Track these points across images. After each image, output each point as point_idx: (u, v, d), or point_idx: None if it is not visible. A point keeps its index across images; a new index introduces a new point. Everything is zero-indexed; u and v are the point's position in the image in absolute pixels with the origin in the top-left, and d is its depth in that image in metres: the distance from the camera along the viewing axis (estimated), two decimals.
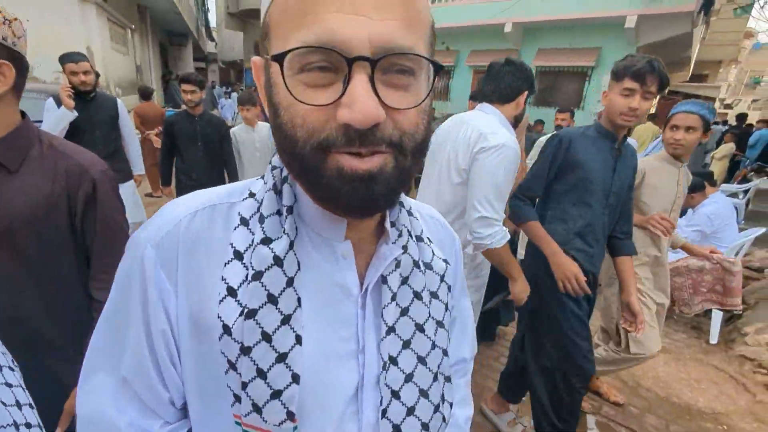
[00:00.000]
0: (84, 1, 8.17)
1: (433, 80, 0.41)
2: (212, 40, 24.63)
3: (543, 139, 4.34)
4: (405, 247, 0.49)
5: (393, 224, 0.49)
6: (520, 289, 1.64)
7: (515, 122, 1.68)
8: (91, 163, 0.95)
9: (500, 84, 1.63)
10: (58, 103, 2.46)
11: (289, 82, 0.36)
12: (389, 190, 0.39)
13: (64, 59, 2.55)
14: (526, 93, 1.64)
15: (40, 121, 3.45)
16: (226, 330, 0.41)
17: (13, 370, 0.52)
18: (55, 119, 2.43)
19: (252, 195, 0.47)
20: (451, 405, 0.54)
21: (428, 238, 0.55)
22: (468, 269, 1.71)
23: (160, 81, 13.92)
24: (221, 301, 0.42)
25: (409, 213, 0.53)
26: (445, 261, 0.55)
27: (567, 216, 1.67)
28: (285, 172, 0.46)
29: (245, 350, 0.41)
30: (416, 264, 0.50)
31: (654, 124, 6.41)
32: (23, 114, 0.91)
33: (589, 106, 9.23)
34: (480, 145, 1.50)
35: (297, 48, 0.35)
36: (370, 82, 0.35)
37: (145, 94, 5.54)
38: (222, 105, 11.19)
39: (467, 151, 1.55)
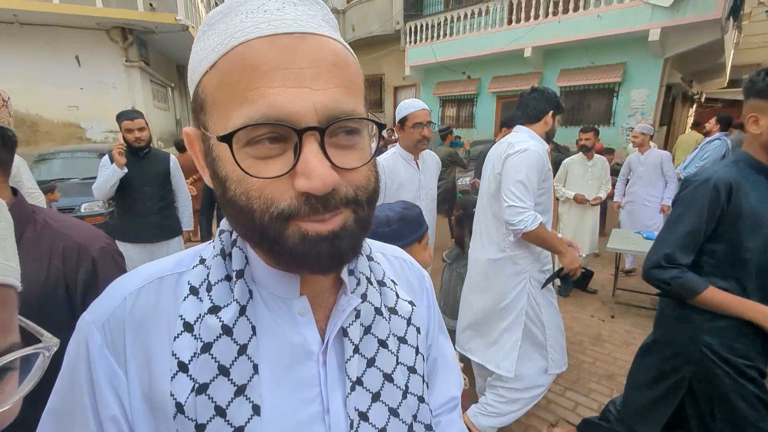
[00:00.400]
0: (129, 66, 8.99)
1: (379, 137, 0.42)
2: None
3: (569, 161, 4.23)
4: (364, 296, 0.48)
5: (351, 272, 0.49)
6: (569, 260, 1.84)
7: (547, 138, 1.96)
8: (90, 240, 0.88)
9: (528, 108, 1.92)
10: (112, 160, 2.57)
11: (238, 156, 0.36)
12: (354, 242, 0.40)
13: (121, 117, 2.66)
14: (551, 112, 1.90)
15: (95, 178, 3.78)
16: (179, 408, 0.39)
17: None
18: (106, 176, 2.57)
19: (202, 261, 0.46)
20: None
21: (392, 281, 0.54)
22: (533, 261, 1.91)
23: None
24: (173, 377, 0.40)
25: (369, 258, 0.52)
26: (410, 303, 0.53)
27: (734, 287, 1.24)
28: (234, 236, 0.46)
29: (200, 428, 0.39)
30: (378, 311, 0.49)
31: (698, 132, 6.10)
32: (15, 191, 0.84)
33: (620, 122, 8.98)
34: (507, 152, 1.83)
35: (244, 127, 0.34)
36: (322, 149, 0.36)
37: (181, 146, 5.89)
38: None
39: (499, 160, 1.87)
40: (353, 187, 0.39)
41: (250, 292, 0.44)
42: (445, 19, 10.86)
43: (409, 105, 2.16)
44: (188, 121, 13.96)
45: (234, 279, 0.43)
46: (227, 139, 0.35)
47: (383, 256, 0.58)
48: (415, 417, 0.49)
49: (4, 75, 8.47)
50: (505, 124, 3.85)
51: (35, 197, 2.92)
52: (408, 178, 2.18)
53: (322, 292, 0.48)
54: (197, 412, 0.39)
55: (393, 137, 9.09)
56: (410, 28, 11.65)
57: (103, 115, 8.56)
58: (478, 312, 2.03)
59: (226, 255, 0.45)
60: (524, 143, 1.79)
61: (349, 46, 0.41)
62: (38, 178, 4.07)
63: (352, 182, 0.39)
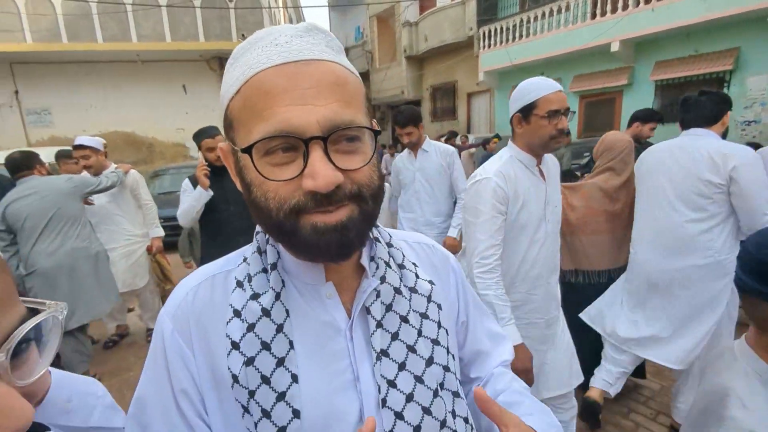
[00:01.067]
0: None
1: (375, 143, 0.49)
2: None
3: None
4: (383, 278, 0.54)
5: (372, 258, 0.56)
6: None
7: (723, 137, 1.95)
8: None
9: (704, 110, 1.88)
10: (194, 183, 2.45)
11: (257, 164, 0.44)
12: (359, 233, 0.47)
13: (200, 136, 2.48)
14: (729, 113, 1.90)
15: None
16: (235, 379, 0.48)
17: None
18: (191, 201, 2.42)
19: (245, 260, 0.55)
20: (465, 419, 0.56)
21: (413, 263, 0.60)
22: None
23: None
24: (228, 354, 0.49)
25: (389, 245, 0.59)
26: (430, 282, 0.59)
27: None
28: (268, 235, 0.54)
29: (251, 394, 0.47)
30: (397, 290, 0.55)
31: None
32: None
33: (735, 115, 7.81)
34: (731, 164, 1.73)
35: (261, 140, 0.43)
36: (326, 155, 0.43)
37: None
38: None
39: (714, 170, 1.77)
40: (357, 184, 0.45)
41: (283, 281, 0.52)
42: (521, 21, 10.47)
43: (539, 85, 1.47)
44: None
45: (269, 271, 0.52)
46: (248, 150, 0.43)
47: (405, 243, 0.65)
48: (441, 385, 0.54)
49: (131, 105, 10.00)
50: (642, 119, 3.55)
51: (149, 208, 3.42)
52: (533, 191, 1.53)
53: (346, 277, 0.55)
54: (248, 380, 0.47)
55: (467, 143, 8.94)
56: (484, 33, 11.43)
57: None
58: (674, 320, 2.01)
59: (261, 252, 0.54)
60: (738, 150, 1.76)
61: (351, 66, 0.49)
62: (153, 191, 4.71)
63: (356, 180, 0.45)
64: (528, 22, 10.36)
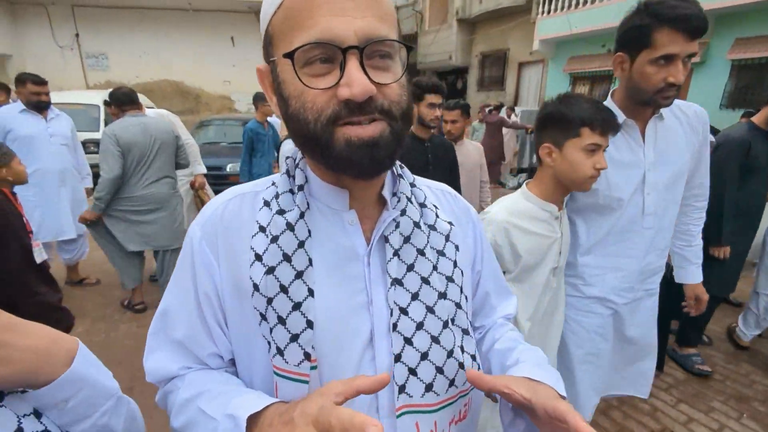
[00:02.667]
0: None
1: (407, 60, 0.52)
2: None
3: None
4: (404, 211, 0.57)
5: (394, 193, 0.58)
6: None
7: None
8: None
9: None
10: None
11: (299, 72, 0.46)
12: (390, 152, 0.49)
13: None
14: None
15: (239, 143, 4.44)
16: (255, 287, 0.51)
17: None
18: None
19: (273, 184, 0.59)
20: (472, 357, 0.59)
21: (434, 205, 0.63)
22: None
23: None
24: (251, 265, 0.53)
25: (412, 185, 0.61)
26: (449, 223, 0.61)
27: None
28: (297, 160, 0.58)
29: (269, 301, 0.51)
30: (417, 225, 0.57)
31: None
32: None
33: None
34: None
35: (303, 45, 0.45)
36: (361, 66, 0.45)
37: None
38: None
39: None
40: (387, 100, 0.48)
41: (308, 203, 0.55)
42: None
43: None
44: None
45: (296, 192, 0.55)
46: (290, 55, 0.45)
47: (428, 188, 0.68)
48: (452, 320, 0.57)
49: (180, 54, 10.20)
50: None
51: (191, 145, 3.57)
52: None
53: (368, 207, 0.58)
54: (267, 289, 0.51)
55: (511, 116, 8.55)
56: None
57: (248, 89, 9.80)
58: None
59: (290, 175, 0.58)
60: None
61: None
62: (198, 141, 4.87)
63: (387, 96, 0.48)
64: None
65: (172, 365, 0.57)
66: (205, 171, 3.76)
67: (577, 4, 9.90)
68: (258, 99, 4.14)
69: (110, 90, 3.08)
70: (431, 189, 0.68)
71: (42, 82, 3.03)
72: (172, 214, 3.07)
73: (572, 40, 10.34)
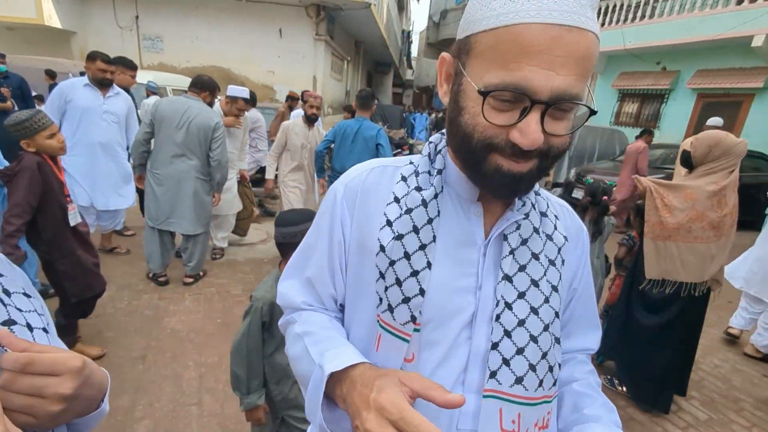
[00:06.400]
0: (317, 39, 10.19)
1: (587, 118, 0.59)
2: (411, 68, 27.18)
3: None
4: (527, 215, 0.59)
5: (520, 197, 0.60)
6: None
7: None
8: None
9: None
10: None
11: (484, 105, 0.48)
12: (530, 185, 0.53)
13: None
14: None
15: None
16: (382, 249, 0.58)
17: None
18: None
19: (411, 163, 0.64)
20: (559, 365, 0.61)
21: (554, 216, 0.65)
22: None
23: None
24: (381, 228, 0.59)
25: (537, 193, 0.64)
26: (564, 237, 0.64)
27: None
28: (440, 147, 0.62)
29: (391, 263, 0.57)
30: (536, 230, 0.60)
31: None
32: None
33: None
34: None
35: (499, 89, 0.46)
36: (540, 118, 0.46)
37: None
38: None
39: None
40: (549, 146, 0.49)
41: (443, 187, 0.60)
42: None
43: None
44: (356, 91, 15.25)
45: (434, 175, 0.60)
46: (485, 94, 0.47)
47: (549, 200, 0.69)
48: (548, 326, 0.58)
49: (230, 42, 10.53)
50: None
51: (246, 144, 4.03)
52: None
53: (494, 203, 0.60)
54: (393, 252, 0.57)
55: None
56: (599, 7, 10.25)
57: (290, 81, 10.00)
58: None
59: (431, 159, 0.62)
60: None
61: (598, 33, 0.48)
62: None
63: (551, 143, 0.49)
64: (654, 0, 9.10)
65: (297, 297, 0.68)
66: (246, 167, 4.13)
67: (634, 18, 9.51)
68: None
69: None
70: (552, 201, 0.69)
71: (110, 62, 3.24)
72: (195, 197, 3.16)
73: (625, 55, 9.94)
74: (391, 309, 0.57)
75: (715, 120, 4.90)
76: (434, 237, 0.57)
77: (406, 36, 24.19)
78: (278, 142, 3.86)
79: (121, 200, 3.49)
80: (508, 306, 0.56)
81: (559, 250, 0.62)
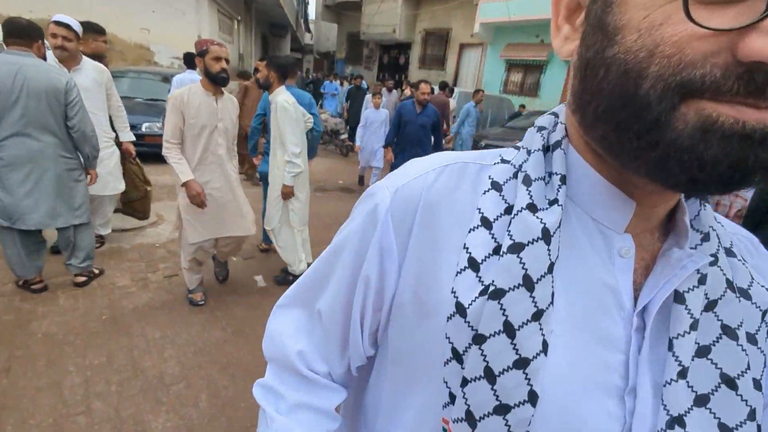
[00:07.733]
0: None
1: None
2: (309, 32, 25.94)
3: None
4: (715, 257, 0.35)
5: (691, 224, 0.36)
6: None
7: None
8: None
9: None
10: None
11: None
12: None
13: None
14: None
15: (157, 100, 3.89)
16: (459, 310, 0.33)
17: None
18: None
19: (504, 161, 0.39)
20: None
21: (742, 257, 0.38)
22: None
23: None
24: (459, 272, 0.34)
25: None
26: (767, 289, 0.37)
27: None
28: (556, 137, 0.37)
29: (478, 340, 0.32)
30: (730, 284, 0.35)
31: None
32: None
33: None
34: None
35: None
36: None
37: (247, 76, 6.15)
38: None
39: None
40: None
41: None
42: None
43: None
44: (251, 57, 14.13)
45: (558, 184, 0.35)
46: None
47: (721, 226, 0.41)
48: None
49: None
50: None
51: (121, 109, 3.21)
52: None
53: (646, 232, 0.36)
54: (481, 319, 0.32)
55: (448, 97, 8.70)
56: None
57: (171, 41, 8.83)
58: None
59: (544, 152, 0.37)
60: None
61: None
62: None
63: None
64: None
65: (292, 344, 0.47)
66: (133, 139, 3.30)
67: None
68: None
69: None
70: (727, 228, 0.41)
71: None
72: (58, 183, 2.49)
73: (509, 27, 10.68)
74: (472, 420, 0.33)
75: None
76: (552, 294, 0.32)
77: None
78: (170, 125, 2.32)
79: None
80: (679, 422, 0.32)
81: (764, 315, 0.36)
